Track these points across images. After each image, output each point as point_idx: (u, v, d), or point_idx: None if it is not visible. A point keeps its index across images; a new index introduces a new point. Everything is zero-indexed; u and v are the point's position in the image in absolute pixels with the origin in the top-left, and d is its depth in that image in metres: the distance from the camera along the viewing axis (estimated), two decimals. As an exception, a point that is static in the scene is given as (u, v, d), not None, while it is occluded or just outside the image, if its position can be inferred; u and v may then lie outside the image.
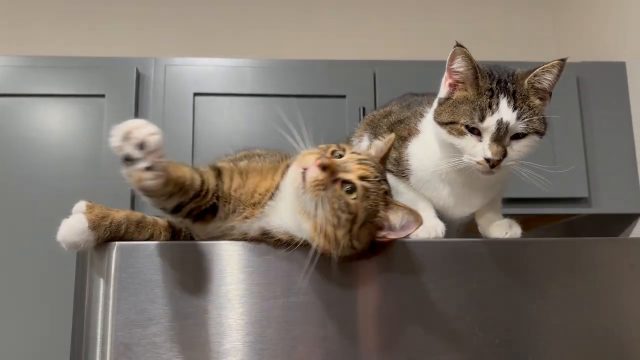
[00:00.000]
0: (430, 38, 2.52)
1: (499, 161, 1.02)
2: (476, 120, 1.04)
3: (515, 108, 1.03)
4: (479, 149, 1.03)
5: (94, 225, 0.99)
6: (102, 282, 1.01)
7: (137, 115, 1.92)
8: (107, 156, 1.87)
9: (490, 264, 1.05)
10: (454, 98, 1.09)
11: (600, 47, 2.25)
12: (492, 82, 1.06)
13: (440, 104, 1.12)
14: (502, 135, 1.03)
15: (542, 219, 2.24)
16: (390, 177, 1.20)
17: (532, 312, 1.03)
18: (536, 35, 2.57)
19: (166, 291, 1.00)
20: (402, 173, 1.17)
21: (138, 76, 1.95)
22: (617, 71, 2.09)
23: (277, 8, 2.57)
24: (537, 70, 1.08)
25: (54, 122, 1.90)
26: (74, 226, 0.98)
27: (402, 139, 1.19)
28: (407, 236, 1.00)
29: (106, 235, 1.00)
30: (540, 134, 1.07)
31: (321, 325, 1.00)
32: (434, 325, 1.01)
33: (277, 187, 1.06)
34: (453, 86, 1.11)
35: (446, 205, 1.16)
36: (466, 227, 1.28)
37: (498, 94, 1.04)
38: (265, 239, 1.03)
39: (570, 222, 2.37)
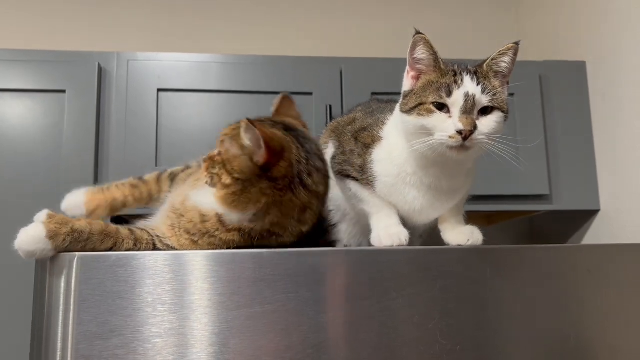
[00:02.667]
0: (397, 36, 2.51)
1: (471, 132, 1.04)
2: (444, 95, 1.07)
3: (478, 83, 1.08)
4: (450, 124, 1.06)
5: (51, 235, 0.98)
6: (62, 293, 0.99)
7: (99, 111, 1.88)
8: (68, 154, 1.82)
9: (452, 272, 1.07)
10: (419, 85, 1.13)
11: (562, 46, 2.28)
12: (453, 65, 1.12)
13: (405, 96, 1.15)
14: (470, 108, 1.06)
15: (504, 215, 2.29)
16: (354, 185, 1.21)
17: (492, 319, 1.06)
18: (499, 33, 2.60)
19: (128, 302, 0.99)
20: (367, 180, 1.18)
21: (100, 71, 1.90)
22: (578, 70, 2.13)
23: (243, 3, 2.53)
24: (494, 54, 1.14)
25: (12, 118, 1.84)
26: (31, 235, 0.98)
27: (366, 146, 1.19)
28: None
29: (66, 244, 0.99)
30: (504, 112, 1.11)
31: (285, 335, 1.01)
32: (397, 334, 1.03)
33: None
34: (416, 78, 1.15)
35: (411, 210, 1.17)
36: (428, 233, 1.30)
37: (461, 72, 1.10)
38: None
39: (532, 217, 2.42)
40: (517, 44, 1.14)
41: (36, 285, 1.03)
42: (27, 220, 1.08)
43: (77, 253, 1.00)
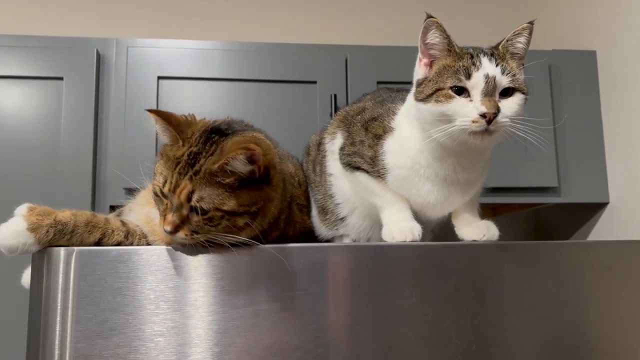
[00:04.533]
0: (403, 24, 2.46)
1: (495, 115, 1.00)
2: (463, 78, 1.03)
3: (497, 65, 1.04)
4: (471, 108, 1.01)
5: (33, 227, 0.94)
6: (60, 289, 0.95)
7: (97, 99, 1.83)
8: (66, 143, 1.77)
9: (467, 268, 1.02)
10: (433, 72, 1.08)
11: (572, 35, 2.23)
12: (467, 48, 1.08)
13: (419, 84, 1.10)
14: (492, 90, 1.02)
15: (510, 207, 2.25)
16: (364, 178, 1.16)
17: (509, 318, 1.02)
18: (508, 22, 2.53)
19: (130, 300, 0.95)
20: (378, 172, 1.13)
21: (99, 58, 1.85)
22: (588, 60, 2.08)
23: (246, -13, 2.47)
24: (509, 35, 1.10)
25: (8, 106, 1.79)
26: (11, 229, 0.94)
27: (377, 137, 1.14)
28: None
29: (50, 237, 0.95)
30: (525, 93, 1.07)
31: (294, 334, 0.97)
32: (410, 333, 0.99)
33: None
34: (429, 65, 1.10)
35: (425, 204, 1.13)
36: (440, 228, 1.25)
37: (477, 54, 1.06)
38: None
39: (537, 210, 2.38)
40: (531, 23, 1.10)
41: (32, 282, 0.98)
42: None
43: (75, 247, 0.96)
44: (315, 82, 1.93)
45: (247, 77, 1.91)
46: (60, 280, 0.95)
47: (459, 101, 1.02)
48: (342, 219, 1.26)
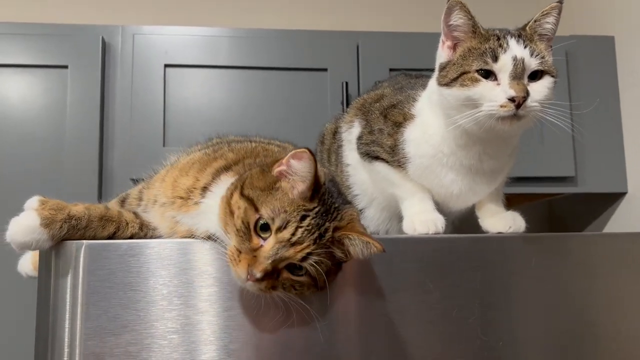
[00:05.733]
0: (416, 9, 2.41)
1: (524, 99, 0.95)
2: (489, 61, 0.98)
3: (525, 46, 1.00)
4: (499, 92, 0.97)
5: (46, 222, 0.89)
6: (69, 285, 0.91)
7: (103, 88, 1.78)
8: (71, 133, 1.73)
9: (493, 262, 0.98)
10: (457, 55, 1.03)
11: (589, 20, 2.18)
12: (493, 30, 1.04)
13: (442, 68, 1.05)
14: (520, 73, 0.98)
15: (525, 197, 2.20)
16: (383, 167, 1.12)
17: (537, 313, 0.97)
18: (522, 7, 2.48)
19: (141, 295, 0.91)
20: (398, 161, 1.09)
21: (104, 46, 1.80)
22: (606, 46, 2.02)
23: (254, -27, 2.42)
24: (537, 15, 1.05)
25: (12, 95, 1.74)
26: (23, 224, 0.88)
27: (397, 125, 1.10)
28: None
29: (63, 232, 0.90)
30: (553, 76, 1.03)
31: (313, 329, 0.93)
32: (433, 328, 0.95)
33: (205, 188, 0.97)
34: (452, 47, 1.05)
35: (448, 195, 1.08)
36: (461, 220, 1.21)
37: (504, 36, 1.01)
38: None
39: (551, 200, 2.34)
40: (560, 2, 1.04)
41: (40, 278, 0.94)
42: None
43: (84, 241, 0.91)
44: (325, 70, 1.88)
45: (256, 65, 1.86)
46: (70, 275, 0.90)
47: (485, 85, 0.97)
48: (360, 210, 1.22)
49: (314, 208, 0.86)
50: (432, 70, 1.88)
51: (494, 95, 0.96)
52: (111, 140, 1.78)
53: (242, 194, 0.87)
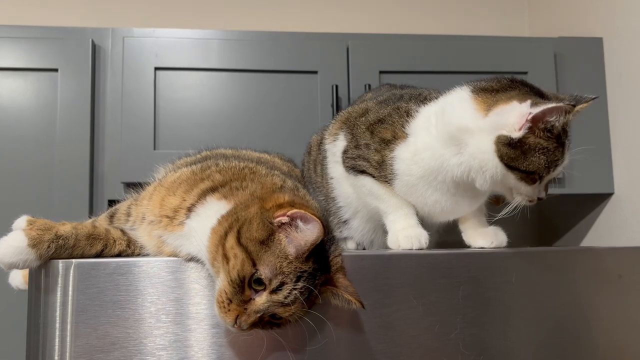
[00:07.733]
0: (407, 10, 2.40)
1: None
2: (551, 172, 1.02)
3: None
4: (536, 191, 1.04)
5: (34, 243, 0.90)
6: (58, 303, 0.92)
7: (93, 91, 1.78)
8: (62, 136, 1.74)
9: (475, 277, 1.00)
10: (529, 143, 0.98)
11: (577, 22, 2.18)
12: (565, 137, 1.03)
13: (509, 144, 0.98)
14: None
15: (513, 197, 2.22)
16: (369, 182, 1.13)
17: (518, 328, 1.00)
18: (510, 9, 2.49)
19: (130, 313, 0.93)
20: (385, 177, 1.10)
21: (94, 48, 1.80)
22: (594, 47, 2.04)
23: (245, -27, 2.41)
24: (578, 107, 1.05)
25: (2, 99, 1.74)
26: (11, 245, 0.90)
27: (386, 142, 1.10)
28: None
29: (51, 252, 0.92)
30: None
31: (298, 348, 0.95)
32: (417, 344, 0.97)
33: (190, 209, 0.97)
34: (531, 130, 0.98)
35: (431, 212, 1.10)
36: (445, 229, 1.23)
37: (567, 145, 1.04)
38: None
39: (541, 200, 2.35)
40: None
41: (30, 296, 0.96)
42: (19, 211, 1.01)
43: (73, 260, 0.93)
44: (316, 72, 1.89)
45: (247, 67, 1.86)
46: (59, 293, 0.92)
47: (535, 187, 1.04)
48: (345, 221, 1.24)
49: (309, 268, 0.86)
50: (423, 72, 1.88)
51: (531, 192, 1.04)
52: (102, 144, 1.78)
53: (239, 242, 0.86)
